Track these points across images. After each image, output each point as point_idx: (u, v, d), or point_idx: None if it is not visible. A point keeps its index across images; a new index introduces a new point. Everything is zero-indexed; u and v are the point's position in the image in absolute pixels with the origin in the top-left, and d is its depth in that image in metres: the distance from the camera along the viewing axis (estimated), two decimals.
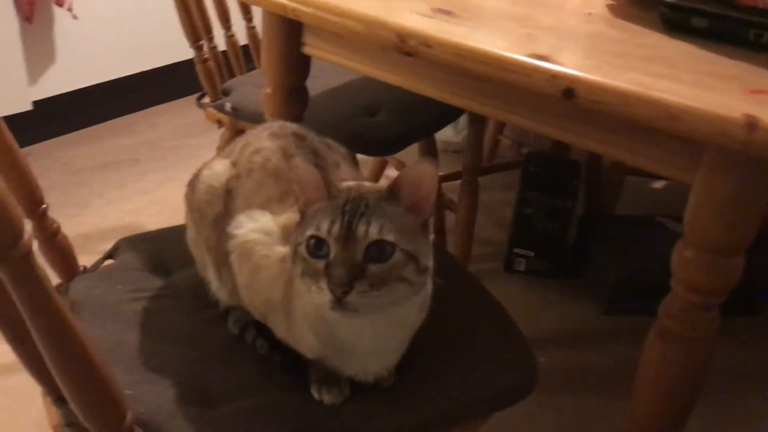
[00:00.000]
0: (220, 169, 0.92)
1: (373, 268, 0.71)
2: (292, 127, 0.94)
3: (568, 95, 0.78)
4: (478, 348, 0.91)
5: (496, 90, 0.95)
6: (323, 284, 0.71)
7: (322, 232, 0.72)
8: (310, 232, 0.73)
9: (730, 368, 1.67)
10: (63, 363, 0.58)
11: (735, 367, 1.67)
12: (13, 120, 2.30)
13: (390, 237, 0.72)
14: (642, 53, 0.87)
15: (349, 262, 0.71)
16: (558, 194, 1.90)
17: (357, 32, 0.94)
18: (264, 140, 0.92)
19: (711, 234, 0.82)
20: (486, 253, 2.10)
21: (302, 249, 0.73)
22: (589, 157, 2.09)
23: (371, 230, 0.71)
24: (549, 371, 1.66)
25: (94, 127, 2.70)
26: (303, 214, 0.77)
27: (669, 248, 0.85)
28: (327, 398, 0.82)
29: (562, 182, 1.90)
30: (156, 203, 2.22)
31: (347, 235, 0.71)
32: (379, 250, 0.72)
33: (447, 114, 1.68)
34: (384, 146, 1.57)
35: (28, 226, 0.52)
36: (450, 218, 1.98)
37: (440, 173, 1.99)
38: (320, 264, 0.72)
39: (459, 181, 1.91)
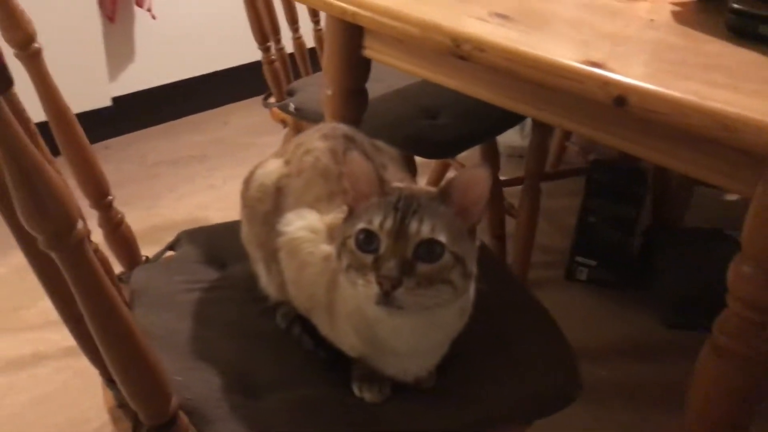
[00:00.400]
0: (271, 168, 0.95)
1: (422, 267, 0.72)
2: (343, 128, 0.96)
3: (620, 103, 0.77)
4: (521, 354, 0.90)
5: (551, 95, 0.94)
6: (371, 277, 0.72)
7: (374, 226, 0.73)
8: (361, 225, 0.74)
9: None
10: (110, 346, 0.62)
11: None
12: (93, 115, 2.43)
13: (441, 237, 0.72)
14: (702, 61, 0.84)
15: (399, 257, 0.72)
16: (623, 203, 1.86)
17: (413, 36, 0.95)
18: (316, 141, 0.94)
19: None
20: (547, 260, 2.07)
21: (351, 242, 0.74)
22: (656, 166, 2.03)
23: (423, 228, 0.72)
24: (609, 384, 1.63)
25: (169, 123, 2.80)
26: (351, 209, 0.78)
27: None
28: (368, 396, 0.83)
29: (627, 191, 1.86)
30: (222, 198, 2.29)
31: (399, 231, 0.72)
32: (430, 249, 0.72)
33: (508, 118, 1.67)
34: (443, 149, 1.58)
35: (91, 218, 0.55)
36: (510, 224, 1.97)
37: (503, 177, 1.97)
38: (369, 258, 0.73)
39: (521, 187, 1.90)
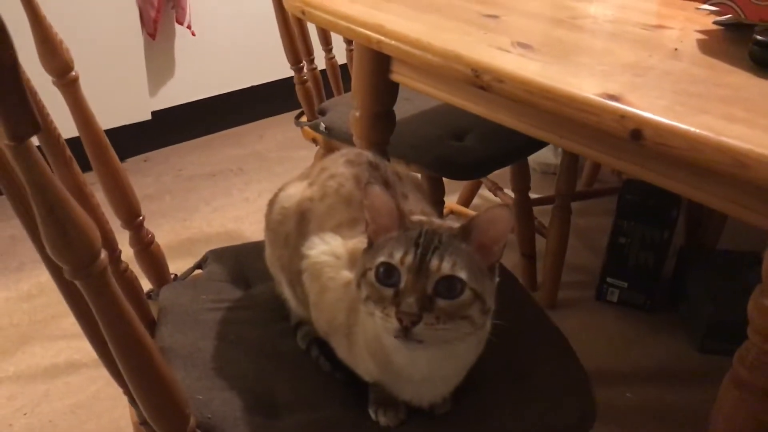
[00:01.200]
0: (293, 191, 0.97)
1: (442, 303, 0.73)
2: (367, 155, 0.98)
3: (636, 137, 0.77)
4: (537, 383, 0.91)
5: (571, 125, 0.94)
6: (391, 312, 0.73)
7: (395, 260, 0.74)
8: (381, 258, 0.75)
9: None
10: (131, 370, 0.64)
11: None
12: (133, 128, 2.50)
13: (461, 274, 0.73)
14: (722, 93, 0.84)
15: (419, 293, 0.72)
16: (655, 224, 1.84)
17: (435, 65, 0.96)
18: (340, 166, 0.96)
19: None
20: (578, 280, 2.06)
21: (371, 274, 0.76)
22: None
23: (444, 265, 0.73)
24: (635, 407, 1.62)
25: (206, 137, 2.87)
26: (371, 241, 0.80)
27: None
28: (383, 420, 0.85)
29: (660, 212, 1.84)
30: (257, 212, 2.33)
31: (420, 267, 0.73)
32: (450, 286, 0.73)
33: (536, 140, 1.67)
34: (470, 171, 1.58)
35: (123, 237, 0.57)
36: (541, 243, 1.96)
37: (534, 196, 1.97)
38: (389, 292, 0.74)
39: (552, 205, 1.90)
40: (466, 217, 1.47)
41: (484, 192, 2.31)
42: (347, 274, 0.85)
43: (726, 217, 2.03)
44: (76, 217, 0.55)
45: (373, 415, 0.86)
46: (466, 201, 2.26)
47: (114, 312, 0.61)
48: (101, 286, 0.59)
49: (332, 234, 0.90)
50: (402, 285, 0.74)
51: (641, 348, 1.81)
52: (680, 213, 1.86)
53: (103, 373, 0.81)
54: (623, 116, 0.78)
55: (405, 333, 0.72)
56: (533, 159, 2.33)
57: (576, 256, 2.12)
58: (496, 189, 2.09)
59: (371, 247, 0.79)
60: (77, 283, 0.59)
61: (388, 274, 0.74)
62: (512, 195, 1.93)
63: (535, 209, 1.96)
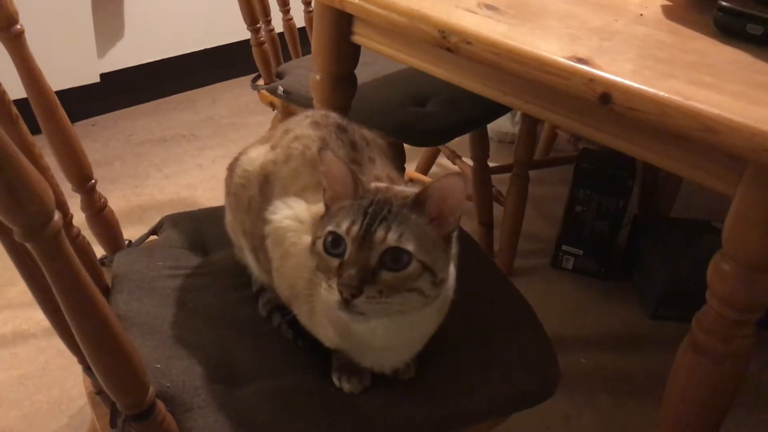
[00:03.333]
0: (254, 155, 0.94)
1: (386, 276, 0.71)
2: (334, 117, 0.95)
3: (605, 101, 0.77)
4: (502, 348, 0.91)
5: (538, 89, 0.94)
6: (333, 283, 0.72)
7: (341, 230, 0.72)
8: (329, 228, 0.73)
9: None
10: (87, 337, 0.61)
11: None
12: (81, 91, 2.41)
13: (408, 246, 0.71)
14: (688, 59, 0.84)
15: (361, 265, 0.71)
16: (611, 193, 1.87)
17: (400, 26, 0.94)
18: (305, 128, 0.93)
19: (750, 249, 0.79)
20: (534, 248, 2.08)
21: (320, 243, 0.74)
22: None
23: (390, 236, 0.71)
24: (589, 372, 1.65)
25: (157, 101, 2.78)
26: (327, 208, 0.78)
27: None
28: (346, 386, 0.84)
29: (615, 181, 1.86)
30: (211, 179, 2.28)
31: (365, 237, 0.71)
32: (395, 258, 0.71)
33: (498, 107, 1.66)
34: (431, 137, 1.57)
35: (74, 202, 0.54)
36: (498, 211, 1.97)
37: (492, 164, 1.97)
38: (335, 262, 0.73)
39: (510, 174, 1.90)
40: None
41: (442, 160, 2.31)
42: (309, 239, 0.83)
43: (679, 186, 2.07)
44: (27, 175, 0.51)
45: (336, 382, 0.85)
46: (424, 169, 2.25)
47: (69, 276, 0.57)
48: (55, 249, 0.55)
49: (296, 198, 0.87)
50: (346, 256, 0.72)
51: (595, 315, 1.84)
52: (635, 182, 1.89)
53: (53, 344, 0.78)
54: (592, 80, 0.78)
55: (346, 305, 0.71)
56: (491, 128, 2.32)
57: (532, 224, 2.13)
58: (454, 157, 2.08)
59: (327, 214, 0.77)
60: (29, 245, 0.55)
61: (334, 243, 0.73)
62: (471, 163, 1.93)
63: (492, 178, 1.96)
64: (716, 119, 0.70)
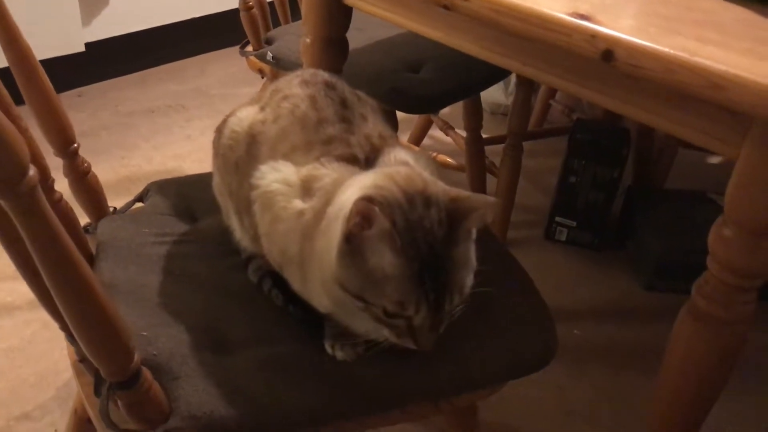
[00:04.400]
0: (243, 115, 0.91)
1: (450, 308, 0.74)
2: (323, 75, 0.92)
3: (607, 58, 0.74)
4: (499, 316, 0.89)
5: (538, 50, 0.91)
6: (407, 342, 0.74)
7: (409, 313, 0.72)
8: (391, 308, 0.72)
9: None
10: (68, 301, 0.59)
11: None
12: (66, 61, 2.35)
13: (467, 291, 0.75)
14: (694, 17, 0.81)
15: (436, 327, 0.74)
16: (605, 163, 1.84)
17: None
18: (294, 87, 0.90)
19: (753, 213, 0.77)
20: (527, 220, 2.06)
21: (378, 312, 0.73)
22: (640, 126, 2.01)
23: (455, 299, 0.73)
24: (582, 344, 1.64)
25: (145, 71, 2.72)
26: (350, 237, 0.71)
27: None
28: (340, 355, 0.82)
29: (610, 151, 1.84)
30: (199, 150, 2.24)
31: (435, 312, 0.72)
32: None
33: (493, 74, 1.64)
34: (424, 104, 1.54)
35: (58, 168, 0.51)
36: (492, 182, 1.94)
37: (485, 136, 1.94)
38: (401, 323, 0.73)
39: (503, 145, 1.87)
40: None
41: (435, 132, 2.27)
42: (300, 204, 0.80)
43: (674, 157, 2.05)
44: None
45: (329, 350, 0.83)
46: (417, 140, 2.22)
47: (47, 236, 0.54)
48: (31, 207, 0.52)
49: (284, 160, 0.84)
50: (417, 323, 0.73)
51: (589, 286, 1.83)
52: (630, 152, 1.87)
53: (39, 316, 0.75)
54: (594, 36, 0.75)
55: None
56: (483, 99, 2.29)
57: (525, 196, 2.11)
58: (447, 128, 2.05)
59: (352, 244, 0.71)
60: (4, 204, 0.52)
61: (395, 315, 0.73)
62: (464, 134, 1.90)
63: (486, 149, 1.94)
64: (723, 75, 0.67)
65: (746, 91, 0.67)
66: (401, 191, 0.72)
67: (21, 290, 1.63)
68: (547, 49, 0.87)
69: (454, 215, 0.73)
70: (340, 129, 0.84)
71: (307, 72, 0.93)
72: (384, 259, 0.70)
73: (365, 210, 0.68)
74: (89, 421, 0.84)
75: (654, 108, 0.83)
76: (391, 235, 0.69)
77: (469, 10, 0.84)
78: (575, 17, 0.77)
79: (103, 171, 2.07)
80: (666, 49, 0.71)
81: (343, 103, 0.86)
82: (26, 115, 0.85)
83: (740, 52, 0.72)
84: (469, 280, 0.74)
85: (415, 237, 0.71)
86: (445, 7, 0.87)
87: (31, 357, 1.49)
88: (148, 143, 2.28)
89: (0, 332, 1.54)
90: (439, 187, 0.75)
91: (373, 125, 0.86)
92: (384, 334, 0.75)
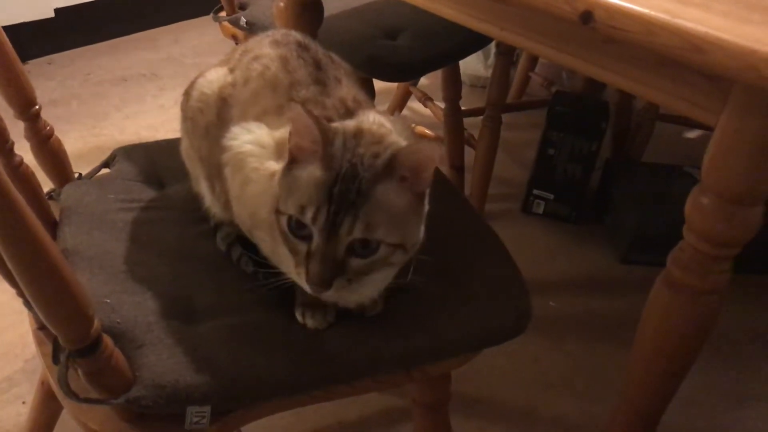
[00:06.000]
0: (212, 77, 0.88)
1: (355, 263, 0.70)
2: (296, 36, 0.89)
3: (586, 19, 0.72)
4: (473, 283, 0.87)
5: (516, 14, 0.89)
6: (302, 272, 0.70)
7: (306, 219, 0.69)
8: (292, 211, 0.70)
9: (742, 328, 1.62)
10: (22, 265, 0.56)
11: (747, 327, 1.62)
12: (34, 27, 2.29)
13: (376, 234, 0.69)
14: None
15: (329, 259, 0.69)
16: (584, 136, 1.83)
17: None
18: (265, 47, 0.87)
19: (731, 181, 0.76)
20: (504, 193, 2.05)
21: (283, 222, 0.71)
22: (619, 99, 2.00)
23: (357, 226, 0.68)
24: (559, 316, 1.64)
25: (117, 39, 2.66)
26: (292, 156, 0.72)
27: None
28: (310, 323, 0.80)
29: (588, 124, 1.83)
30: (172, 119, 2.19)
31: (331, 229, 0.68)
32: (363, 246, 0.70)
33: (471, 41, 1.61)
34: (402, 72, 1.51)
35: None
36: (470, 155, 1.93)
37: (464, 108, 1.92)
38: (301, 246, 0.71)
39: (482, 117, 1.85)
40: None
41: (413, 103, 2.25)
42: (273, 165, 0.78)
43: (652, 130, 2.04)
44: None
45: (300, 318, 0.81)
46: (395, 111, 2.19)
47: None
48: None
49: (256, 123, 0.81)
50: (313, 247, 0.69)
51: (566, 259, 1.83)
52: (608, 125, 1.86)
53: (5, 287, 0.73)
54: None
55: (318, 293, 0.71)
56: (463, 71, 2.26)
57: (503, 169, 2.10)
58: (425, 99, 2.03)
59: (292, 165, 0.72)
60: None
61: (299, 226, 0.70)
62: (442, 106, 1.88)
63: (464, 122, 1.91)
64: (705, 38, 0.66)
65: (727, 54, 0.65)
66: (351, 126, 0.73)
67: None
68: (525, 14, 0.85)
69: (394, 160, 0.70)
70: (314, 91, 0.81)
71: (278, 32, 0.90)
72: (306, 169, 0.70)
73: (299, 116, 0.69)
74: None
75: (633, 74, 0.82)
76: (317, 144, 0.69)
77: None
78: None
79: (74, 140, 2.02)
80: (647, 11, 0.69)
81: (317, 65, 0.84)
82: None
83: (721, 15, 0.70)
84: (384, 229, 0.69)
85: (343, 158, 0.70)
86: None
87: None
88: (120, 112, 2.23)
89: None
90: (396, 138, 0.74)
91: (347, 89, 0.83)
92: (291, 269, 0.73)
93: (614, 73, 0.84)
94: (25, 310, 1.36)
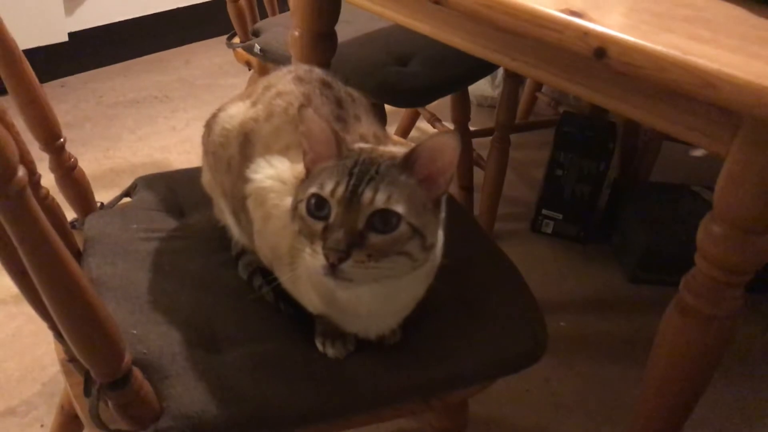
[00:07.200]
0: (234, 112, 0.90)
1: (374, 239, 0.68)
2: (319, 72, 0.91)
3: (600, 55, 0.74)
4: (489, 312, 0.89)
5: (528, 45, 0.90)
6: (318, 248, 0.68)
7: (325, 192, 0.68)
8: (312, 190, 0.69)
9: (754, 346, 1.62)
10: (57, 302, 0.58)
11: (759, 346, 1.63)
12: (48, 50, 2.32)
13: (397, 208, 0.67)
14: (684, 13, 0.81)
15: (349, 228, 0.67)
16: (591, 157, 1.85)
17: None
18: (288, 83, 0.89)
19: (742, 210, 0.77)
20: (513, 212, 2.06)
21: (302, 207, 0.70)
22: (626, 119, 2.02)
23: (378, 197, 0.67)
24: (569, 336, 1.64)
25: (129, 61, 2.69)
26: (308, 171, 0.74)
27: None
28: (331, 352, 0.81)
29: (596, 144, 1.85)
30: (185, 141, 2.22)
31: (351, 199, 0.67)
32: (384, 220, 0.68)
33: (481, 67, 1.63)
34: (413, 97, 1.53)
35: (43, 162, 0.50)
36: (479, 175, 1.94)
37: (472, 128, 1.94)
38: (318, 225, 0.69)
39: (491, 138, 1.87)
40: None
41: (422, 124, 2.27)
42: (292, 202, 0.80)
43: (659, 150, 2.06)
44: None
45: (320, 347, 0.82)
46: (404, 132, 2.21)
47: (36, 237, 0.53)
48: (21, 208, 0.51)
49: (279, 157, 0.83)
50: (332, 219, 0.68)
51: (575, 278, 1.84)
52: (616, 145, 1.88)
53: (24, 310, 0.74)
54: (587, 33, 0.74)
55: (332, 270, 0.67)
56: (470, 91, 2.29)
57: (512, 188, 2.12)
58: (434, 120, 2.05)
59: (308, 177, 0.73)
60: None
61: (318, 206, 0.69)
62: (451, 127, 1.90)
63: (472, 142, 1.93)
64: (716, 74, 0.67)
65: (739, 90, 0.67)
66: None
67: (4, 283, 1.57)
68: (537, 45, 0.87)
69: (412, 153, 0.71)
70: (336, 128, 0.83)
71: (301, 68, 0.92)
72: (323, 165, 0.72)
73: (312, 118, 0.70)
74: (77, 417, 0.83)
75: (643, 105, 0.83)
76: (332, 144, 0.71)
77: (460, 5, 0.83)
78: (567, 14, 0.76)
79: (88, 163, 2.05)
80: (659, 48, 0.71)
81: (339, 103, 0.86)
82: (9, 107, 0.84)
83: (731, 50, 0.72)
84: (405, 206, 0.68)
85: (360, 153, 0.71)
86: (436, 2, 0.86)
87: (15, 351, 1.47)
88: (133, 134, 2.26)
89: None
90: None
91: (367, 125, 0.85)
92: (306, 258, 0.70)
93: (624, 104, 0.86)
94: (41, 333, 1.38)
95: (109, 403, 0.67)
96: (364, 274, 0.68)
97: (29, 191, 0.52)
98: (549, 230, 1.97)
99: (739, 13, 0.82)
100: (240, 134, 0.88)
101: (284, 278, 0.82)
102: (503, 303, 0.90)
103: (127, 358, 0.65)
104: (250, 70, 1.73)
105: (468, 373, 0.83)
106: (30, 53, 0.90)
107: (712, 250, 0.81)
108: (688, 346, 0.86)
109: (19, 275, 0.62)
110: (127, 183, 1.10)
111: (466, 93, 1.81)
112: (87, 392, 0.67)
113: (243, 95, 0.94)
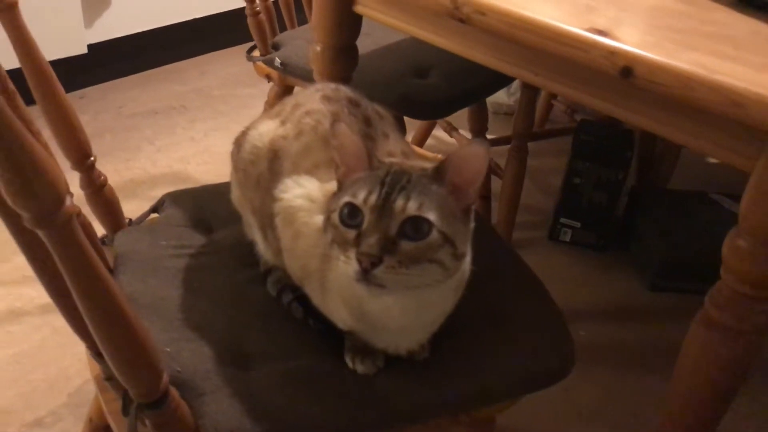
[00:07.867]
0: (263, 130, 0.91)
1: (406, 246, 0.69)
2: (346, 91, 0.92)
3: (626, 74, 0.75)
4: (516, 328, 0.89)
5: (551, 61, 0.91)
6: (351, 254, 0.69)
7: (358, 200, 0.70)
8: (345, 199, 0.72)
9: None
10: (100, 324, 0.59)
11: None
12: (68, 63, 2.35)
13: (429, 215, 0.69)
14: (708, 30, 0.82)
15: (381, 234, 0.69)
16: (609, 165, 1.85)
17: None
18: (316, 102, 0.90)
19: None
20: (531, 221, 2.07)
21: (335, 216, 0.72)
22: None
23: (410, 205, 0.69)
24: (588, 345, 1.64)
25: (146, 72, 2.72)
26: (341, 184, 0.76)
27: (722, 227, 0.81)
28: (360, 368, 0.82)
29: (614, 152, 1.85)
30: (203, 152, 2.23)
31: (383, 207, 0.69)
32: (415, 227, 0.69)
33: (500, 79, 1.64)
34: (432, 110, 1.54)
35: (73, 184, 0.51)
36: (496, 184, 1.95)
37: (489, 137, 1.95)
38: (351, 233, 0.71)
39: (508, 146, 1.88)
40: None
41: (438, 132, 2.28)
42: (322, 219, 0.81)
43: (677, 158, 2.06)
44: (38, 159, 0.49)
45: (349, 363, 0.83)
46: (420, 141, 2.22)
47: (81, 262, 0.55)
48: (67, 235, 0.53)
49: (308, 176, 0.85)
50: (364, 226, 0.70)
51: (594, 286, 1.84)
52: (633, 154, 1.88)
53: (48, 321, 0.75)
54: (613, 53, 0.75)
55: (365, 276, 0.69)
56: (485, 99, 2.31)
57: (529, 197, 2.12)
58: (450, 129, 2.06)
59: (340, 189, 0.75)
60: (40, 233, 0.53)
61: (351, 215, 0.71)
62: (468, 136, 1.90)
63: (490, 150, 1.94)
64: (743, 93, 0.68)
65: (765, 109, 0.67)
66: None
67: (30, 295, 1.63)
68: (560, 61, 0.88)
69: (442, 165, 0.73)
70: None
71: (328, 87, 0.93)
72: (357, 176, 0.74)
73: (344, 132, 0.73)
74: (105, 429, 0.85)
75: (668, 120, 0.84)
76: (363, 157, 0.73)
77: (484, 24, 0.84)
78: (593, 33, 0.77)
79: (108, 174, 2.03)
80: (685, 66, 0.72)
81: (367, 121, 0.87)
82: (35, 115, 0.85)
83: (756, 68, 0.72)
84: (436, 214, 0.70)
85: (391, 165, 0.74)
86: (461, 20, 0.87)
87: (41, 363, 1.49)
88: (152, 145, 2.28)
89: (10, 338, 1.55)
90: None
91: (395, 142, 0.86)
92: (340, 265, 0.72)
93: (649, 119, 0.86)
94: (67, 344, 1.39)
95: (147, 422, 0.68)
96: (396, 280, 0.70)
97: (75, 219, 0.53)
98: (567, 238, 1.97)
99: (763, 29, 0.83)
100: (269, 152, 0.89)
101: (314, 294, 0.83)
102: (530, 318, 0.91)
103: (165, 378, 0.67)
104: (269, 82, 1.74)
105: (497, 391, 0.84)
106: (50, 66, 0.92)
107: (738, 264, 0.81)
108: (714, 360, 0.86)
109: (60, 296, 0.64)
110: (147, 194, 1.12)
111: (483, 103, 1.82)
112: (125, 412, 0.69)
113: (271, 114, 0.95)
